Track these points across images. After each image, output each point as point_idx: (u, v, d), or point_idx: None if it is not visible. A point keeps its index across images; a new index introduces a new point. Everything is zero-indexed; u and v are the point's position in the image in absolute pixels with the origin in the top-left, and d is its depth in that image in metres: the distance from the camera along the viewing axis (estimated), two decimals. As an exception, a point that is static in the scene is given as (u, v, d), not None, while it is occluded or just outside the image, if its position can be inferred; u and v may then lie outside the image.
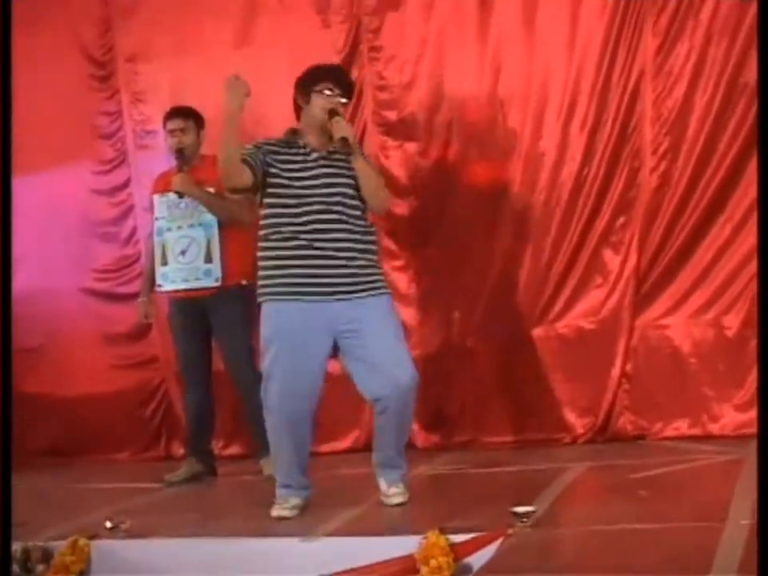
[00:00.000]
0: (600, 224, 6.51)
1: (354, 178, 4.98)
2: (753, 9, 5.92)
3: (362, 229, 5.01)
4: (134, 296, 6.68)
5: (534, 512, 4.41)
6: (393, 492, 5.03)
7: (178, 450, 7.20)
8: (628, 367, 6.50)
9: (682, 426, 6.38)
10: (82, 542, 4.75)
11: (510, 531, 4.24)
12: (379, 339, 4.91)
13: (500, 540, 4.17)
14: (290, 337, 4.88)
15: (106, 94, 7.42)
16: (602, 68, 6.45)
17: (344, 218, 4.94)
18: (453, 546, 4.12)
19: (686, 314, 6.41)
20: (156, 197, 6.38)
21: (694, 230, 6.34)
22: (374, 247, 5.09)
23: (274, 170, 4.93)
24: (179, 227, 6.25)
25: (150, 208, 6.50)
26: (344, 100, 5.07)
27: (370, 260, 5.02)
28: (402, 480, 5.09)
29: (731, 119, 6.20)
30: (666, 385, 6.44)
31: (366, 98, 6.88)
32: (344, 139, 4.90)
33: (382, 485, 5.07)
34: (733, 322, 6.28)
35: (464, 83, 6.72)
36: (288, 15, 7.03)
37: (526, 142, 6.65)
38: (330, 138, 4.99)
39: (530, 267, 6.66)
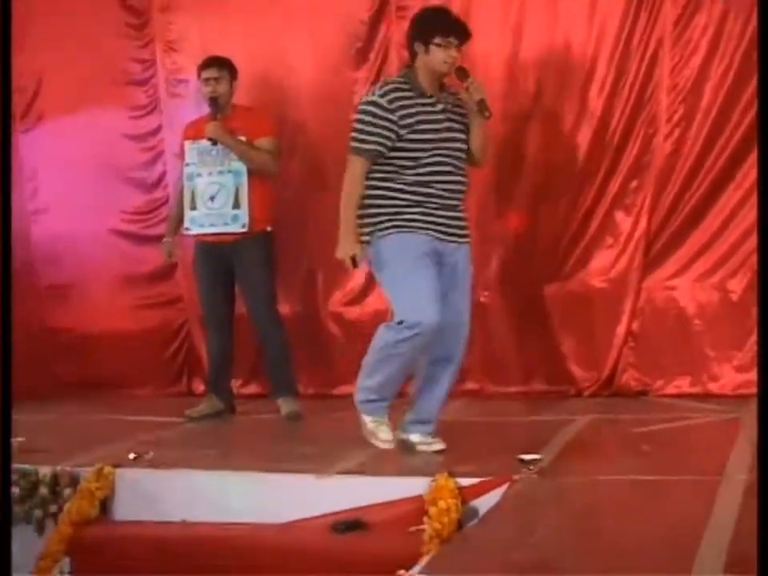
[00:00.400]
0: (614, 186, 6.63)
1: (466, 132, 5.17)
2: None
3: (467, 179, 5.25)
4: (160, 238, 6.78)
5: (540, 460, 4.62)
6: (431, 440, 5.16)
7: (199, 386, 7.34)
8: (634, 326, 6.66)
9: (683, 384, 6.55)
10: (107, 469, 4.99)
11: (516, 477, 4.44)
12: (457, 289, 5.13)
13: (506, 485, 4.38)
14: (430, 264, 5.04)
15: (141, 42, 7.48)
16: (621, 35, 6.54)
17: (462, 165, 5.17)
18: (461, 488, 4.34)
19: (692, 277, 6.55)
20: (187, 143, 6.47)
21: (704, 196, 6.48)
22: None
23: (405, 129, 5.02)
24: (209, 173, 6.35)
25: (180, 154, 6.60)
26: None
27: (464, 208, 5.27)
28: (435, 430, 5.24)
29: (745, 91, 6.29)
30: (669, 344, 6.60)
31: (392, 57, 6.93)
32: (482, 101, 5.08)
33: (415, 438, 5.17)
34: (737, 287, 6.43)
35: (486, 43, 6.70)
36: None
37: (546, 104, 6.74)
38: (441, 86, 5.16)
39: (545, 226, 6.78)
